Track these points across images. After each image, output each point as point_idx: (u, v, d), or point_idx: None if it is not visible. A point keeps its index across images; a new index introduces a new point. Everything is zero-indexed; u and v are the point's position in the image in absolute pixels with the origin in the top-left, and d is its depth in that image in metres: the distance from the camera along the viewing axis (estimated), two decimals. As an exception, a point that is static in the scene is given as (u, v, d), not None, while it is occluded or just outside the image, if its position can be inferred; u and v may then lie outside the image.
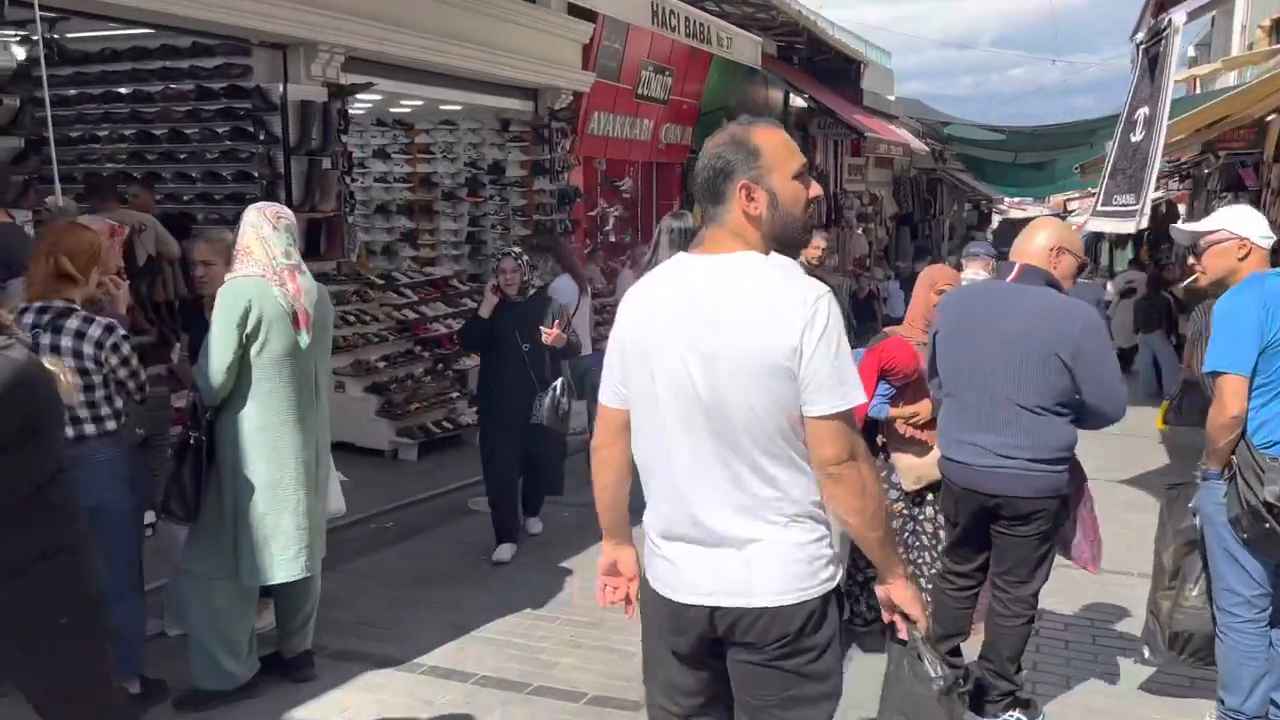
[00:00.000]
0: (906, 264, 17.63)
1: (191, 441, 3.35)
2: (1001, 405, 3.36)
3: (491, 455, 5.38)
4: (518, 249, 5.44)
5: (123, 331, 3.27)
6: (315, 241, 8.24)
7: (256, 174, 7.97)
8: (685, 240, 4.83)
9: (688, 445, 2.03)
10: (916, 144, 20.02)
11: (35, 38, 5.77)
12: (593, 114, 11.52)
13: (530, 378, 5.16)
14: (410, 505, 6.37)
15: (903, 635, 2.25)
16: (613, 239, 12.63)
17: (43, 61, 5.62)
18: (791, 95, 16.24)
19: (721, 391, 1.98)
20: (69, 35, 7.99)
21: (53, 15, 7.06)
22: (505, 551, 5.27)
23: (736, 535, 2.02)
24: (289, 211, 3.58)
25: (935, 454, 4.02)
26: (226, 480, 3.42)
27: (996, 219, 35.57)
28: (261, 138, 7.84)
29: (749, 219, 2.04)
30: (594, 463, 2.26)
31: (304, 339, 3.44)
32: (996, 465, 3.38)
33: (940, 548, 4.18)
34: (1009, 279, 3.45)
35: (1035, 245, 3.44)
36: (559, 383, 5.17)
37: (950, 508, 3.67)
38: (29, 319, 3.19)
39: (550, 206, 11.06)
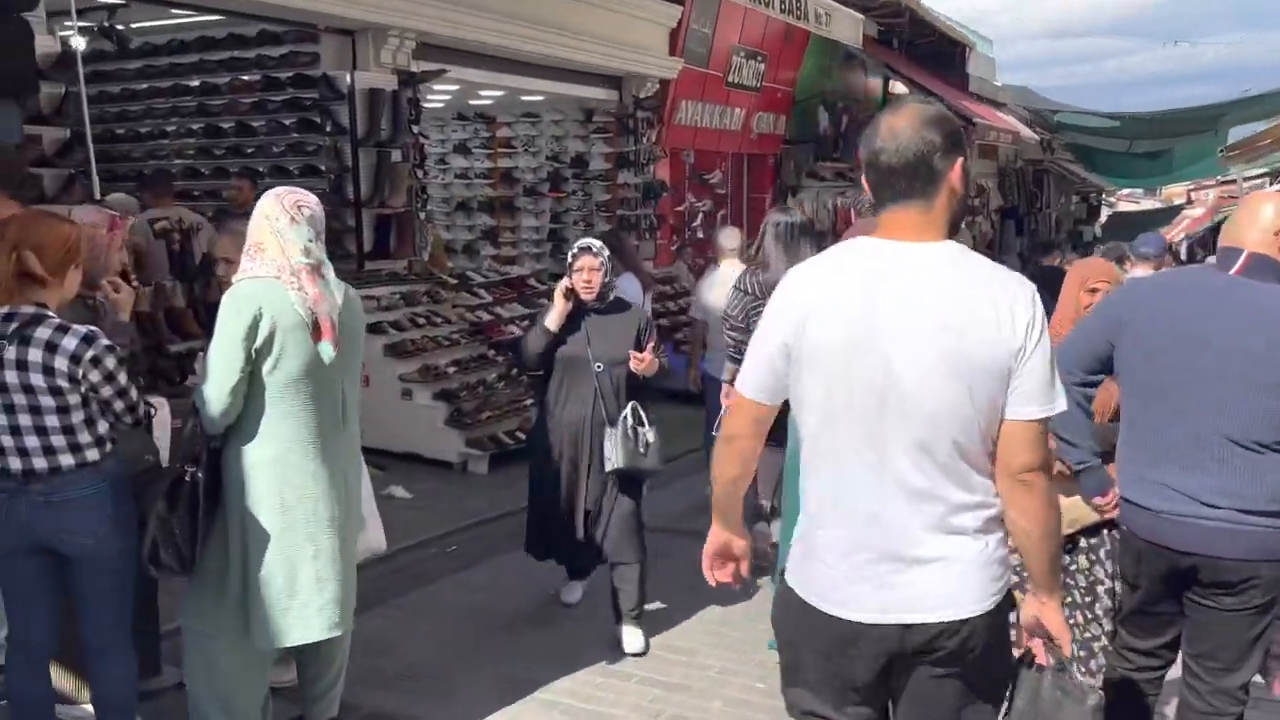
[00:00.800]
0: (1011, 257, 16.58)
1: (187, 478, 2.76)
2: (1208, 437, 2.59)
3: (545, 514, 4.21)
4: (598, 243, 4.25)
5: (106, 342, 2.71)
6: (385, 238, 7.82)
7: (324, 167, 7.58)
8: (792, 235, 4.53)
9: (878, 452, 1.93)
10: (1026, 132, 18.84)
11: (77, 25, 5.43)
12: (680, 103, 10.94)
13: (602, 409, 4.04)
14: (476, 525, 5.82)
15: (1042, 661, 2.11)
16: (701, 235, 11.99)
17: (78, 50, 5.28)
18: (891, 81, 15.35)
19: (932, 393, 1.88)
20: (133, 25, 7.70)
21: (109, 3, 6.78)
22: (574, 591, 4.60)
23: (932, 545, 1.94)
24: (313, 199, 2.99)
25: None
26: (233, 523, 2.85)
27: (1105, 212, 33.78)
28: (328, 129, 7.46)
29: (957, 200, 1.96)
30: (723, 454, 2.13)
31: (327, 353, 2.86)
32: (1195, 515, 2.61)
33: (1099, 606, 3.44)
34: (1232, 271, 2.66)
35: (1259, 225, 2.63)
36: (627, 412, 4.01)
37: (1130, 566, 2.90)
38: (-7, 328, 2.67)
39: (635, 201, 10.52)
